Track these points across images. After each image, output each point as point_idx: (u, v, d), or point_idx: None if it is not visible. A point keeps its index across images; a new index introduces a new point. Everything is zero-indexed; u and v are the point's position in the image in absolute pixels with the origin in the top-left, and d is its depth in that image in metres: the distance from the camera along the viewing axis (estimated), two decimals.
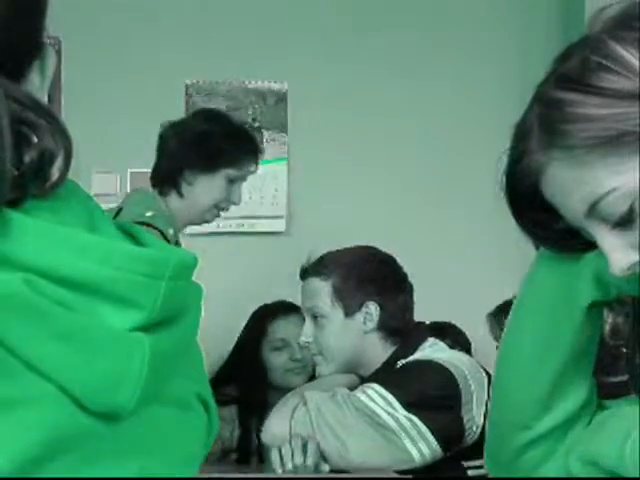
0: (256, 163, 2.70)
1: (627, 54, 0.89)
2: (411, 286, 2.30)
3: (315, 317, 2.25)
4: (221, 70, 3.59)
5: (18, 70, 0.73)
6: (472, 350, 3.14)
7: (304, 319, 2.64)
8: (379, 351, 2.22)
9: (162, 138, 2.70)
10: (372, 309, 2.21)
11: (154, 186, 2.70)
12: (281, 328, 2.93)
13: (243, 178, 2.68)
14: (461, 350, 3.01)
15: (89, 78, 3.45)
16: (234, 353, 2.99)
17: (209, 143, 2.61)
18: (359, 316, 2.21)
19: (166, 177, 2.66)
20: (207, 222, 2.77)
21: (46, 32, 0.76)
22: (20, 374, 0.68)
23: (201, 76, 3.61)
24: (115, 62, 3.53)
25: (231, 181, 2.64)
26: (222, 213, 2.74)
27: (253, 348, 2.94)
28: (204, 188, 2.63)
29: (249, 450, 2.82)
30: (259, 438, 2.60)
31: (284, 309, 2.95)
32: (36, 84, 0.75)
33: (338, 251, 2.29)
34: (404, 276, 2.29)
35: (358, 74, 3.61)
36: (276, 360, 2.92)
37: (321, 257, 2.28)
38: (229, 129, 2.64)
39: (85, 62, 3.42)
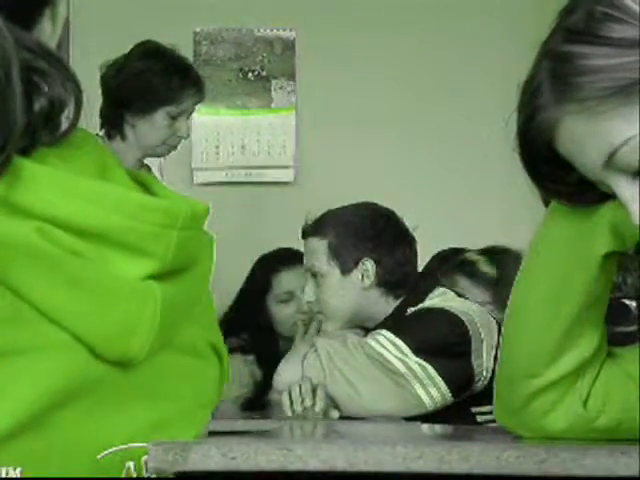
0: (198, 96, 2.62)
1: (631, 2, 0.89)
2: (413, 239, 2.29)
3: (314, 276, 2.26)
4: (229, 18, 3.56)
5: (30, 18, 0.73)
6: None
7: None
8: (382, 306, 2.23)
9: (102, 79, 2.62)
10: (368, 266, 2.21)
11: (101, 129, 2.65)
12: (285, 280, 2.88)
13: (186, 113, 2.61)
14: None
15: (96, 27, 3.42)
16: (238, 305, 2.92)
17: (143, 82, 2.54)
18: (356, 273, 2.22)
19: (108, 120, 2.61)
20: (161, 156, 2.74)
21: None
22: (34, 322, 0.69)
23: (209, 24, 3.57)
24: (123, 10, 3.50)
25: (173, 118, 2.58)
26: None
27: (258, 301, 2.89)
28: (146, 129, 2.59)
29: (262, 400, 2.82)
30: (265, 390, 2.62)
31: (287, 259, 2.89)
32: (47, 32, 0.75)
33: (336, 209, 2.30)
34: (404, 230, 2.28)
35: (366, 22, 3.57)
36: (283, 312, 2.87)
37: (320, 216, 2.29)
38: (163, 65, 2.56)
39: (92, 10, 3.39)
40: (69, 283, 0.69)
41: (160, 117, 2.58)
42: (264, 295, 2.90)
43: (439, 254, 2.81)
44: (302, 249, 2.59)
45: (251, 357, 2.76)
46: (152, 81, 2.56)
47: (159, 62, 2.59)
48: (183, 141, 3.55)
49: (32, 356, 0.68)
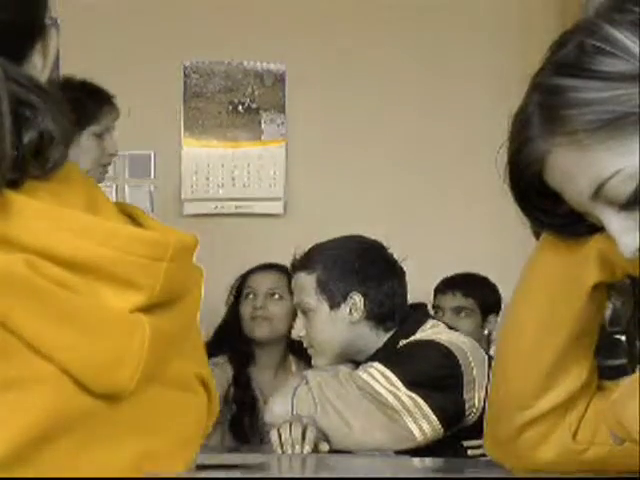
0: (115, 112, 2.68)
1: (622, 36, 0.90)
2: (401, 270, 2.29)
3: (304, 311, 2.26)
4: (219, 51, 3.58)
5: (20, 52, 0.73)
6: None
7: (285, 276, 2.80)
8: (372, 339, 2.23)
9: None
10: (357, 299, 2.21)
11: None
12: (253, 279, 3.00)
13: (109, 130, 2.67)
14: (476, 302, 3.08)
15: (87, 60, 3.43)
16: (221, 325, 3.03)
17: None
18: (344, 307, 2.22)
19: None
20: (99, 181, 2.78)
21: (49, 13, 0.76)
22: (21, 355, 0.68)
23: (199, 57, 3.59)
24: (113, 43, 3.52)
25: (99, 136, 2.64)
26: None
27: (233, 302, 3.00)
28: (76, 154, 2.64)
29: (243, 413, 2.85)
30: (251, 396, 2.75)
31: (265, 266, 3.02)
32: (38, 66, 0.75)
33: (323, 243, 2.30)
34: (392, 262, 2.28)
35: (356, 54, 3.60)
36: (243, 309, 2.98)
37: (307, 251, 2.29)
38: (74, 93, 2.64)
39: (83, 44, 3.41)
40: (57, 315, 0.68)
41: (85, 138, 2.64)
42: (239, 295, 3.01)
43: None
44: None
45: (223, 358, 2.81)
46: (70, 108, 2.62)
47: (69, 91, 2.65)
48: (173, 173, 3.57)
49: (19, 389, 0.68)
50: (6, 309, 0.67)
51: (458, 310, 3.12)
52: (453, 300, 3.16)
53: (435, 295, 3.19)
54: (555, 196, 0.96)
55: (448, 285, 3.19)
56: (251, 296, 2.98)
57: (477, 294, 3.17)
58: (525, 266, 1.07)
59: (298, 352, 2.87)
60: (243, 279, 3.03)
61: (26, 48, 0.74)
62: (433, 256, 3.39)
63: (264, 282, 2.97)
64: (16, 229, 0.68)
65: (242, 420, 2.82)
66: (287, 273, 2.78)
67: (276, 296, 2.96)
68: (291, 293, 2.84)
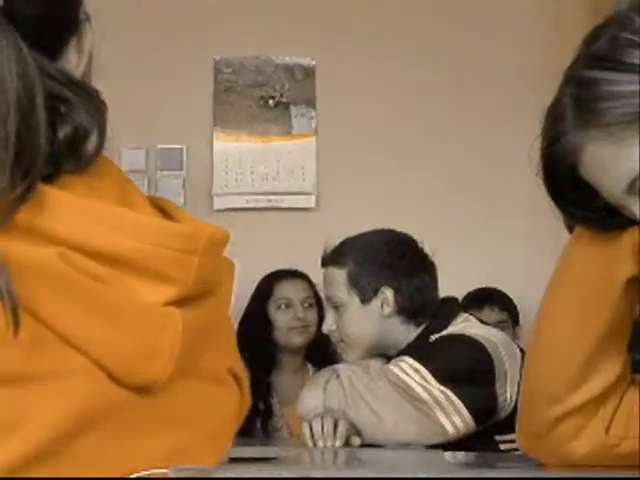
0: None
1: None
2: (432, 265, 2.28)
3: (335, 306, 2.26)
4: (249, 45, 3.59)
5: (55, 47, 0.74)
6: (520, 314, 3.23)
7: (309, 283, 2.96)
8: (403, 334, 2.22)
9: None
10: (388, 294, 2.20)
11: None
12: (285, 288, 3.06)
13: None
14: (509, 314, 3.15)
15: (117, 54, 3.45)
16: (244, 315, 3.08)
17: None
18: (375, 302, 2.21)
19: None
20: None
21: (83, 9, 0.77)
22: (54, 347, 0.69)
23: (229, 52, 3.60)
24: (144, 37, 3.54)
25: None
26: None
27: (260, 307, 3.06)
28: None
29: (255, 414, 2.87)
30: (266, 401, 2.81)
31: (288, 273, 3.10)
32: (73, 61, 0.75)
33: (354, 237, 2.29)
34: (422, 256, 2.27)
35: (386, 49, 3.59)
36: (280, 319, 3.03)
37: (338, 245, 2.29)
38: None
39: (113, 38, 3.43)
40: (90, 308, 0.69)
41: None
42: (266, 301, 3.08)
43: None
44: (321, 275, 2.65)
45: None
46: None
47: None
48: (204, 167, 3.58)
49: (52, 381, 0.68)
50: (40, 301, 0.68)
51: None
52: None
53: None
54: (589, 189, 0.96)
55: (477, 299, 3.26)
56: (284, 306, 3.05)
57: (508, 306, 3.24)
58: (558, 260, 1.06)
59: (314, 360, 2.99)
60: (269, 285, 3.08)
61: (61, 43, 0.74)
62: (464, 250, 3.38)
63: (297, 291, 3.06)
64: (50, 223, 0.69)
65: (256, 415, 2.85)
66: (309, 280, 3.00)
67: (310, 304, 3.06)
68: (318, 301, 2.96)
